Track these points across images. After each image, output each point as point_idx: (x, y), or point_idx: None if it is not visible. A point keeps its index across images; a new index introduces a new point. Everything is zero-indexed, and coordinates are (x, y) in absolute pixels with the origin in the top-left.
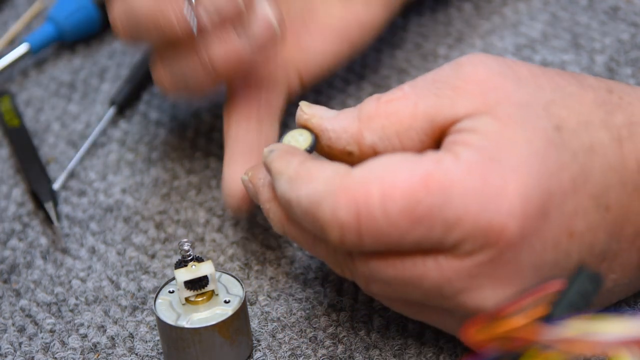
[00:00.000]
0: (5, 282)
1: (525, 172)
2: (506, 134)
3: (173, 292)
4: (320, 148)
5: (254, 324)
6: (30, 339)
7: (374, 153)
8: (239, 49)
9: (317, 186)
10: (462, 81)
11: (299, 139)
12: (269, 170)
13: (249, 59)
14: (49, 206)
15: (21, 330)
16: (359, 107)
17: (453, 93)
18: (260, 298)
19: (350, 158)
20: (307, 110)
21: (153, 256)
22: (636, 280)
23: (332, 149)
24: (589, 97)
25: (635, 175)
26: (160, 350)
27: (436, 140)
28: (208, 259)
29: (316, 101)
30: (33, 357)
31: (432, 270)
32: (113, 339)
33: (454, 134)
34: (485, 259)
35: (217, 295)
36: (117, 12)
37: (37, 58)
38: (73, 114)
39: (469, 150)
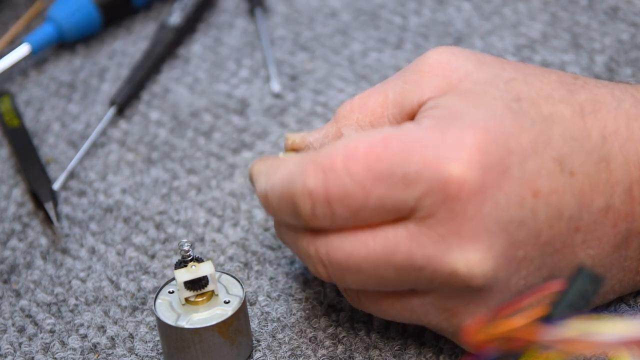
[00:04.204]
0: (5, 282)
1: (483, 127)
2: (465, 102)
3: (173, 292)
4: None
5: (254, 324)
6: (30, 339)
7: None
8: None
9: (289, 168)
10: (428, 66)
11: None
12: (251, 180)
13: None
14: (49, 206)
15: (21, 330)
16: (336, 113)
17: (419, 77)
18: (260, 298)
19: None
20: (291, 135)
21: (153, 256)
22: (617, 264)
23: None
24: (552, 77)
25: (599, 146)
26: (160, 351)
27: None
28: (208, 259)
29: (316, 102)
30: (33, 357)
31: (402, 239)
32: (113, 339)
33: (419, 114)
34: (450, 214)
35: (217, 295)
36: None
37: (37, 58)
38: (73, 114)
39: (429, 118)
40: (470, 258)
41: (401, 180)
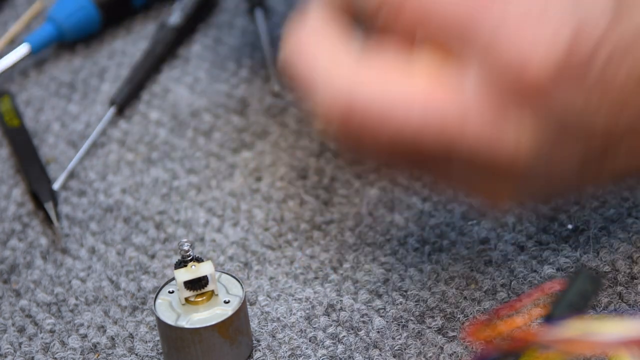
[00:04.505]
0: (5, 282)
1: (580, 23)
2: None
3: (173, 292)
4: None
5: (254, 324)
6: (30, 339)
7: None
8: None
9: None
10: None
11: None
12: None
13: None
14: (49, 206)
15: (21, 330)
16: None
17: None
18: (260, 298)
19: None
20: None
21: (153, 256)
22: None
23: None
24: None
25: None
26: (160, 350)
27: None
28: (208, 259)
29: None
30: (33, 357)
31: (457, 111)
32: (113, 339)
33: None
34: (515, 95)
35: (217, 295)
36: None
37: (37, 58)
38: (73, 114)
39: None
40: (521, 139)
41: (488, 30)
